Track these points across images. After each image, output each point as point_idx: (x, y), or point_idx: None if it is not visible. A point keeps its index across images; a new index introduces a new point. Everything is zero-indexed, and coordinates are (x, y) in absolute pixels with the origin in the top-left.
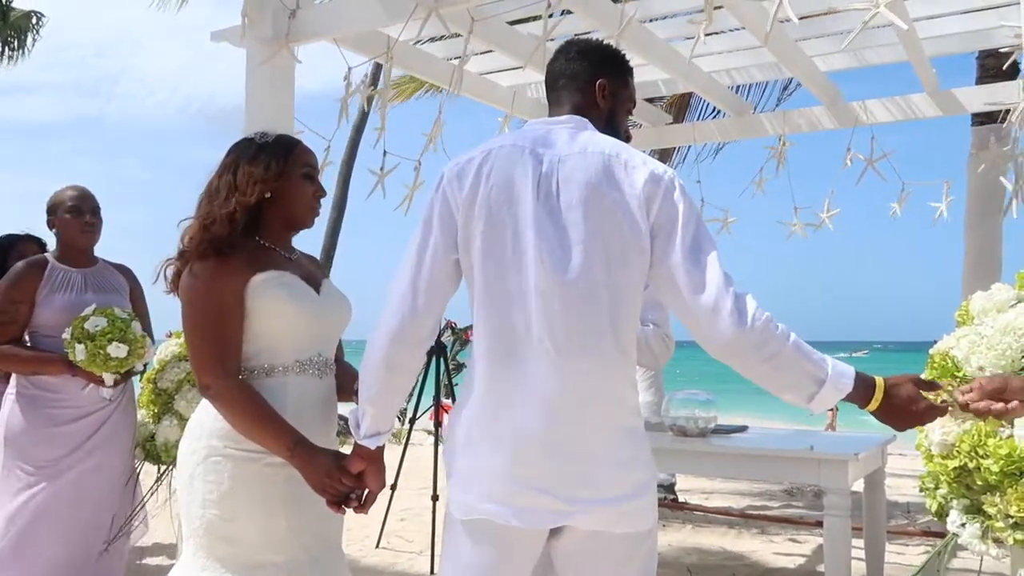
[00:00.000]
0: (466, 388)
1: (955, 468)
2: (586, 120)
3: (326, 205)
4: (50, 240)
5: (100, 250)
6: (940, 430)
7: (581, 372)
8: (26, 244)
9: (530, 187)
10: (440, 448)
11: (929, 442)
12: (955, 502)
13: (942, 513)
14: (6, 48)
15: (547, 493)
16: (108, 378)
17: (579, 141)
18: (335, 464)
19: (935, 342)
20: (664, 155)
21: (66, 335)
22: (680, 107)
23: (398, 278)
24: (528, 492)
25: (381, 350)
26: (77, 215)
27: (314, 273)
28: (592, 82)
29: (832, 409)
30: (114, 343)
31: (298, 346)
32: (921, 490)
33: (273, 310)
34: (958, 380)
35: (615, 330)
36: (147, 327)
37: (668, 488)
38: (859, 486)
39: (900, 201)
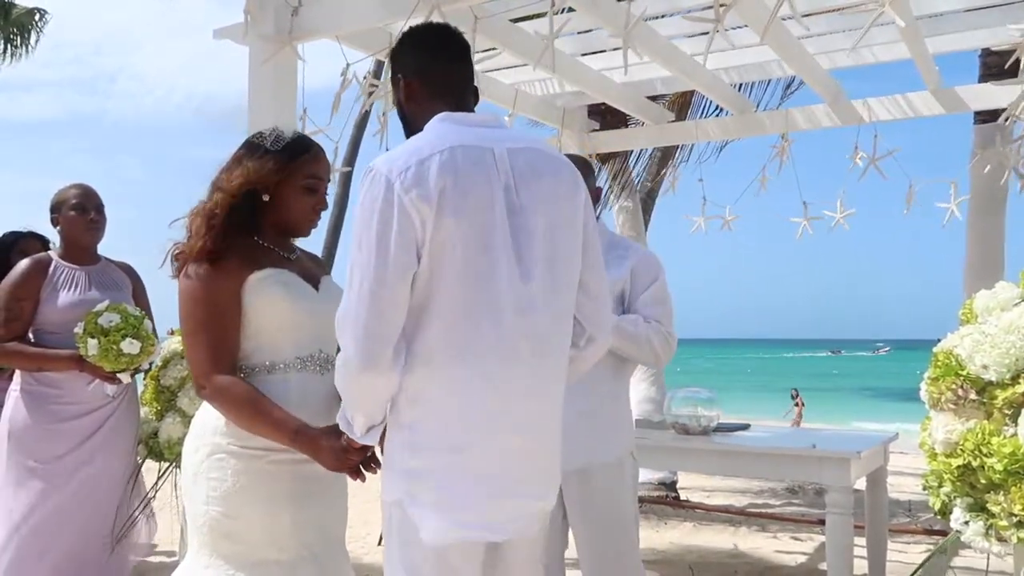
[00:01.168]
0: (419, 405)
1: (959, 466)
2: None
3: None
4: (53, 237)
5: (99, 247)
6: (944, 428)
7: (550, 375)
8: (29, 241)
9: (499, 190)
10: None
11: (933, 440)
12: (958, 500)
13: (945, 511)
14: (8, 46)
15: (532, 496)
16: (124, 376)
17: (513, 139)
18: (341, 442)
19: (939, 340)
20: (666, 153)
21: (78, 330)
22: (682, 105)
23: (357, 300)
24: (515, 501)
25: (354, 379)
26: (81, 213)
27: (313, 271)
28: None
29: (798, 404)
30: (127, 339)
31: (298, 343)
32: (924, 488)
33: (270, 308)
34: (961, 378)
35: (569, 328)
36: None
37: (670, 486)
38: (861, 484)
39: (909, 198)
